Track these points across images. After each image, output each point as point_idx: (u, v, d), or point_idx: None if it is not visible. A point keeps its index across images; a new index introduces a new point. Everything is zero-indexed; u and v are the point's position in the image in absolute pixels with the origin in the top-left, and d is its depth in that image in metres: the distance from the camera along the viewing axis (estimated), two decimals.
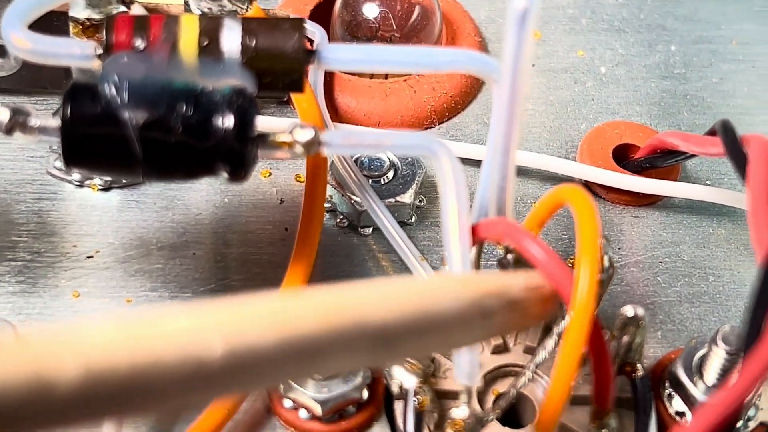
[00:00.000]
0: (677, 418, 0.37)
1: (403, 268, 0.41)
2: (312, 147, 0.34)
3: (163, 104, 0.32)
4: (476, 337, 0.30)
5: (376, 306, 0.25)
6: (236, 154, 0.33)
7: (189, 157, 0.33)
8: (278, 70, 0.35)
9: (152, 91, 0.32)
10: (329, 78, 0.45)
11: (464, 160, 0.43)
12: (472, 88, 0.47)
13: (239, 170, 0.34)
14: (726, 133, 0.36)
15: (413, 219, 0.43)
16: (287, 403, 0.36)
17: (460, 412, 0.34)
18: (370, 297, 0.25)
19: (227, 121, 0.33)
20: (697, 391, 0.36)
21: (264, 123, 0.36)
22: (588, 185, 0.44)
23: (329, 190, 0.42)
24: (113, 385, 0.20)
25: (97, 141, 0.33)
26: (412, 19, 0.46)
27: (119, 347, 0.20)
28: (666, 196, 0.44)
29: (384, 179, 0.42)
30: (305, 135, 0.34)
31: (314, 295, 0.25)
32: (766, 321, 0.28)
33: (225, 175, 0.34)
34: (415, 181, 0.42)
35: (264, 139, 0.34)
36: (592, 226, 0.32)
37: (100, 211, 0.42)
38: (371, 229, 0.42)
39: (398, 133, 0.37)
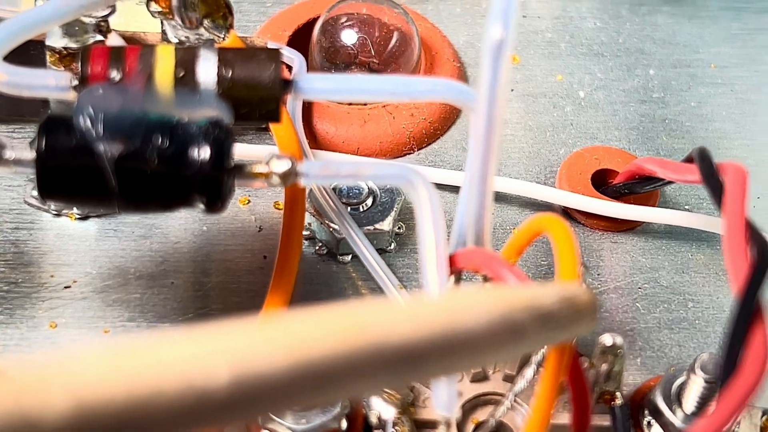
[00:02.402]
0: None
1: (382, 296, 0.41)
2: (289, 178, 0.34)
3: (138, 136, 0.32)
4: (508, 355, 0.28)
5: (398, 325, 0.23)
6: (212, 186, 0.33)
7: (165, 189, 0.33)
8: (255, 101, 0.35)
9: (128, 123, 0.32)
10: (308, 105, 0.45)
11: (443, 187, 0.43)
12: (451, 114, 0.47)
13: (216, 202, 0.34)
14: (702, 160, 0.36)
15: (392, 246, 0.42)
16: None
17: None
18: (390, 315, 0.24)
19: (203, 153, 0.33)
20: (676, 419, 0.36)
21: (241, 151, 0.36)
22: (567, 211, 0.44)
23: (308, 218, 0.42)
24: (108, 419, 0.18)
25: (72, 173, 0.33)
26: (391, 45, 0.46)
27: (113, 378, 0.19)
28: (645, 222, 0.44)
29: (363, 207, 0.42)
30: (282, 166, 0.34)
31: (328, 315, 0.23)
32: (743, 352, 0.28)
33: (201, 206, 0.34)
34: (394, 209, 0.42)
35: (240, 170, 0.34)
36: (570, 256, 0.32)
37: (77, 241, 0.41)
38: (350, 256, 0.42)
39: (375, 162, 0.37)
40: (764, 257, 0.29)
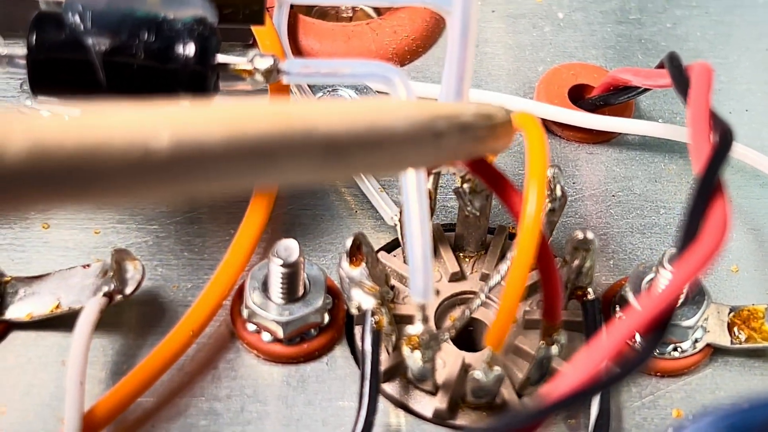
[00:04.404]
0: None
1: (366, 204, 0.42)
2: (271, 75, 0.35)
3: (125, 31, 0.34)
4: (428, 157, 0.30)
5: (326, 116, 0.25)
6: (197, 81, 0.34)
7: (151, 83, 0.34)
8: (238, 1, 0.36)
9: (115, 19, 0.34)
10: (293, 21, 0.46)
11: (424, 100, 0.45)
12: (433, 32, 0.48)
13: (200, 98, 0.35)
14: (672, 62, 0.37)
15: None
16: (250, 327, 0.37)
17: (414, 328, 0.35)
18: (321, 109, 0.25)
19: (188, 49, 0.34)
20: None
21: (226, 58, 0.38)
22: (544, 123, 0.46)
23: None
24: (60, 160, 0.20)
25: (62, 67, 0.34)
26: None
27: (67, 129, 0.20)
28: (620, 133, 0.45)
29: None
30: (265, 63, 0.35)
31: (263, 103, 0.25)
32: (703, 222, 0.29)
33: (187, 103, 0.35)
34: None
35: (224, 68, 0.35)
36: (540, 149, 0.33)
37: None
38: None
39: (355, 61, 0.38)
40: (727, 138, 0.31)
